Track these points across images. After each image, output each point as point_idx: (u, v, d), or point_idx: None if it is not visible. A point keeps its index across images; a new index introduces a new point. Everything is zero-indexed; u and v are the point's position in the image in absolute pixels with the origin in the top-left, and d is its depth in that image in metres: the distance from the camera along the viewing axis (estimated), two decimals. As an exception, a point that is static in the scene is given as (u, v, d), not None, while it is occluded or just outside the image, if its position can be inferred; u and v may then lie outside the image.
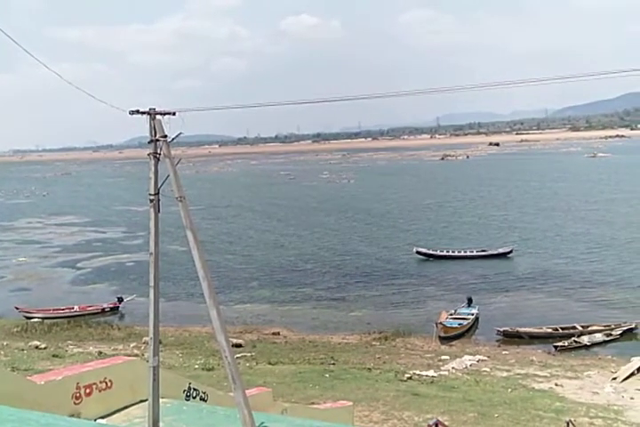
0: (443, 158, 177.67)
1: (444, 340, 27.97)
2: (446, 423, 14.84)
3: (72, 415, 8.16)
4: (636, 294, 33.74)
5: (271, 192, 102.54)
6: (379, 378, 21.37)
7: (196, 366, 23.14)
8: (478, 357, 25.01)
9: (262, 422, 8.30)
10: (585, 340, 26.98)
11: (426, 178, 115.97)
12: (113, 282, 42.52)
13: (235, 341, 25.89)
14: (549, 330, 28.40)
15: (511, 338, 28.05)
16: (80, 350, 25.99)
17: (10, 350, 25.48)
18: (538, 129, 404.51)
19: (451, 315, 30.29)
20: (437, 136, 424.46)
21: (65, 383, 8.37)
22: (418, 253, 45.45)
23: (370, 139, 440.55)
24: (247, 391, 8.46)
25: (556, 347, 26.53)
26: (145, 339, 24.99)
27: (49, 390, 8.15)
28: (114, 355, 20.85)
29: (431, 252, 45.62)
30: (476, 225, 58.86)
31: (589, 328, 28.10)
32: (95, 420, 8.40)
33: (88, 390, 8.54)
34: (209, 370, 21.96)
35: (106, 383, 8.79)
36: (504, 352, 26.14)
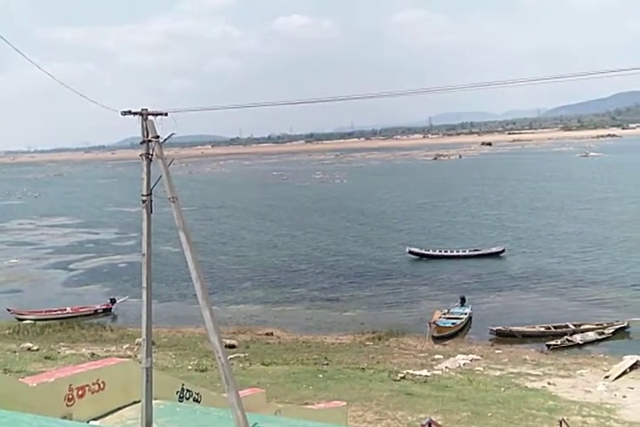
0: (435, 158, 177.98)
1: (438, 339, 28.02)
2: (440, 423, 14.85)
3: (64, 417, 8.12)
4: (628, 293, 33.92)
5: (264, 193, 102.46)
6: (372, 378, 21.39)
7: (190, 367, 23.09)
8: (471, 356, 25.06)
9: (256, 423, 8.29)
10: (577, 338, 27.08)
11: (419, 178, 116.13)
12: (105, 283, 42.40)
13: (228, 341, 25.83)
14: (542, 329, 28.50)
15: (504, 337, 28.12)
16: (72, 351, 25.89)
17: (2, 352, 25.35)
18: (530, 129, 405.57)
19: (444, 314, 30.34)
20: (430, 136, 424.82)
21: (57, 385, 8.33)
22: (410, 252, 45.51)
23: (363, 139, 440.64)
24: (240, 392, 8.45)
25: (548, 346, 26.63)
26: (138, 340, 24.93)
27: (41, 392, 8.11)
28: (106, 356, 20.78)
29: (424, 251, 45.70)
30: (470, 224, 59.00)
31: (582, 327, 28.21)
32: (88, 422, 8.37)
33: (80, 392, 8.50)
34: (202, 371, 21.92)
35: (98, 385, 8.75)
36: (497, 351, 26.21)
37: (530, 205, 69.98)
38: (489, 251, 44.75)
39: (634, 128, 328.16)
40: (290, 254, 49.10)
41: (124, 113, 7.69)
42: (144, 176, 7.79)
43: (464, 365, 23.91)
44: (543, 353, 26.03)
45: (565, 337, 27.17)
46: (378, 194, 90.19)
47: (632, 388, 20.79)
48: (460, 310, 31.06)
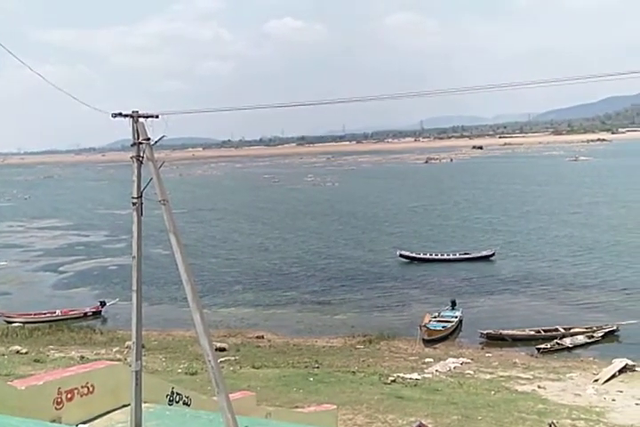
0: (426, 162, 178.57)
1: (428, 343, 28.04)
2: (430, 426, 14.88)
3: (53, 421, 8.07)
4: (618, 297, 34.10)
5: (255, 195, 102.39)
6: (363, 381, 21.37)
7: (180, 371, 23.01)
8: (462, 359, 25.11)
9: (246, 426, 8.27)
10: (567, 342, 27.19)
11: (410, 181, 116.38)
12: (95, 286, 42.21)
13: (218, 344, 25.81)
14: (532, 332, 28.58)
15: (494, 341, 28.19)
16: (62, 354, 25.74)
17: (-10, 355, 25.18)
18: (521, 132, 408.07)
19: (434, 318, 30.38)
20: (421, 139, 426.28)
21: (46, 388, 8.28)
22: (401, 256, 45.58)
23: (354, 142, 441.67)
24: (231, 395, 8.42)
25: (538, 349, 26.71)
26: (128, 343, 24.80)
27: (30, 396, 8.06)
28: (96, 359, 20.65)
29: (414, 255, 45.77)
30: (461, 228, 59.15)
31: (571, 330, 28.34)
32: (77, 425, 8.31)
33: (70, 395, 8.45)
34: (192, 374, 21.84)
35: (88, 388, 8.70)
36: (487, 355, 26.26)
37: (521, 208, 70.27)
38: (479, 254, 44.89)
39: (623, 132, 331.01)
40: (281, 257, 49.06)
41: (115, 115, 7.67)
42: (135, 178, 7.77)
43: (454, 368, 23.94)
44: (533, 357, 26.10)
45: (555, 341, 27.26)
46: (369, 197, 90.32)
47: (621, 391, 20.89)
48: (451, 314, 31.11)
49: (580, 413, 18.53)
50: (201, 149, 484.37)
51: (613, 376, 22.35)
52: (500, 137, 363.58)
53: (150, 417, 8.51)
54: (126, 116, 7.70)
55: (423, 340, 28.14)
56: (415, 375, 22.56)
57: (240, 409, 9.05)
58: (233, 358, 25.45)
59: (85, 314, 34.91)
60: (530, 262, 43.27)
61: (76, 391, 8.54)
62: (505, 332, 28.52)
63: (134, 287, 7.87)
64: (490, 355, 26.22)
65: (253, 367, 23.84)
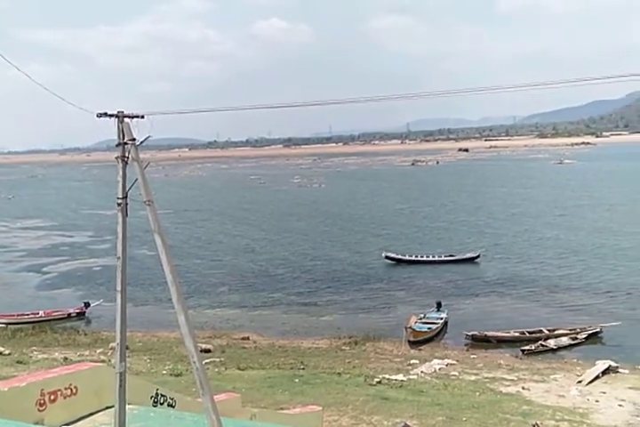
0: (413, 164, 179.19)
1: (414, 344, 28.09)
2: (415, 427, 14.91)
3: (36, 423, 8.01)
4: (602, 299, 34.38)
5: (242, 196, 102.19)
6: (348, 382, 21.37)
7: (164, 372, 22.89)
8: (447, 361, 25.18)
9: (230, 428, 8.24)
10: (551, 343, 27.35)
11: (396, 183, 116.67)
12: (79, 287, 41.91)
13: (203, 346, 25.71)
14: (517, 334, 28.72)
15: (479, 342, 28.30)
16: (45, 356, 25.52)
17: (-28, 356, 24.91)
18: (506, 135, 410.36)
19: (420, 319, 30.47)
20: (408, 142, 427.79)
21: (29, 390, 8.20)
22: (387, 257, 45.67)
23: (341, 144, 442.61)
24: (216, 397, 8.40)
25: (523, 351, 26.84)
26: (112, 345, 24.64)
27: (12, 397, 7.98)
28: (80, 361, 20.53)
29: (400, 257, 45.88)
30: (447, 230, 59.38)
31: (556, 332, 28.50)
32: (60, 427, 8.26)
33: (53, 397, 8.38)
34: (177, 376, 21.74)
35: (71, 390, 8.63)
36: (472, 356, 26.35)
37: (506, 211, 70.68)
38: (464, 256, 45.08)
39: (608, 136, 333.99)
40: (267, 259, 48.98)
41: (100, 115, 7.64)
42: (120, 179, 7.73)
43: (440, 369, 24.01)
44: (518, 358, 26.22)
45: (539, 342, 27.41)
46: (356, 199, 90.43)
47: (604, 392, 21.04)
48: (436, 315, 31.21)
49: (563, 414, 18.64)
50: (187, 149, 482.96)
51: (597, 378, 22.51)
52: (485, 140, 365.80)
53: (134, 419, 8.46)
54: (111, 116, 7.67)
55: (409, 341, 28.18)
56: (400, 377, 22.59)
57: (225, 411, 9.03)
58: (218, 360, 25.36)
59: (69, 315, 34.64)
60: (515, 265, 43.52)
61: (59, 393, 8.47)
62: (490, 333, 28.64)
63: (119, 288, 7.83)
64: (475, 356, 26.32)
65: (239, 369, 23.77)
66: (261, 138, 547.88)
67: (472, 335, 28.52)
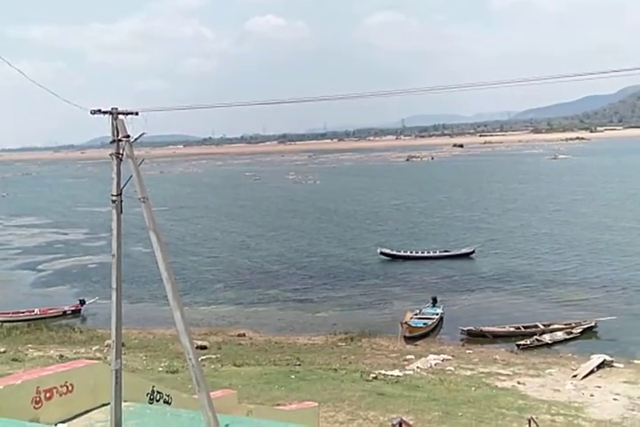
0: (408, 160, 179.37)
1: (409, 340, 28.15)
2: (411, 422, 14.95)
3: (32, 420, 8.00)
4: (596, 294, 34.49)
5: (237, 193, 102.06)
6: (344, 378, 21.41)
7: (160, 369, 22.88)
8: (443, 356, 25.23)
9: (227, 425, 8.25)
10: (546, 338, 27.44)
11: (392, 179, 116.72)
12: (75, 284, 41.83)
13: (199, 343, 25.70)
14: (512, 329, 28.81)
15: (475, 337, 28.37)
16: (40, 353, 25.49)
17: (-33, 354, 24.85)
18: (501, 131, 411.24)
19: (415, 315, 30.51)
20: (403, 137, 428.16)
21: (24, 388, 8.20)
22: (382, 253, 45.71)
23: (336, 140, 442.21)
24: (212, 394, 8.40)
25: (518, 345, 26.91)
26: (107, 342, 24.60)
27: (8, 395, 7.97)
28: (75, 358, 20.47)
29: (395, 252, 45.91)
30: (443, 226, 59.45)
31: (551, 327, 28.58)
32: (56, 424, 8.24)
33: (48, 395, 8.38)
34: (173, 373, 21.74)
35: (67, 387, 8.63)
36: (468, 351, 26.43)
37: (502, 206, 70.77)
38: (459, 252, 45.15)
39: (602, 131, 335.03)
40: (262, 255, 48.96)
41: (94, 112, 7.61)
42: (114, 176, 7.72)
43: (435, 365, 24.07)
44: (513, 353, 26.30)
45: (535, 337, 27.50)
46: (351, 195, 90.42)
47: (599, 387, 21.14)
48: (432, 311, 31.26)
49: (558, 408, 18.72)
50: (181, 146, 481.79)
51: (592, 372, 22.61)
52: (480, 135, 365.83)
53: (130, 416, 8.46)
54: (105, 112, 7.64)
55: (404, 337, 28.25)
56: (396, 372, 22.64)
57: (221, 407, 9.04)
58: (214, 357, 25.36)
59: (65, 313, 34.59)
60: (510, 260, 43.60)
61: (54, 391, 8.47)
62: (485, 328, 28.72)
63: (114, 285, 7.81)
64: (470, 351, 26.39)
65: (235, 365, 23.78)
66: (256, 134, 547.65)
67: (468, 330, 28.59)
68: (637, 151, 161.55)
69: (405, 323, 28.77)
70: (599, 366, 23.08)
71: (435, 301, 32.45)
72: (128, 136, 7.63)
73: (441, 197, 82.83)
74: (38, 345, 27.46)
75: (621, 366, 23.53)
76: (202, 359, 22.73)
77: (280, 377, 21.42)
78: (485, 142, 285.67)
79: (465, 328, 28.71)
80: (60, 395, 8.54)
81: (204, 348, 26.11)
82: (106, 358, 21.84)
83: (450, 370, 23.38)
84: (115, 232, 7.80)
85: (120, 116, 7.65)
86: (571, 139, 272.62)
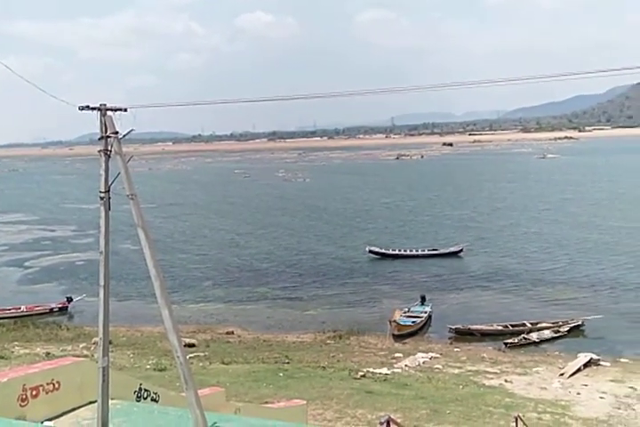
0: (397, 158, 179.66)
1: (398, 338, 28.20)
2: (399, 420, 14.93)
3: (18, 418, 7.94)
4: (584, 293, 34.70)
5: (226, 191, 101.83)
6: (333, 376, 21.43)
7: (148, 367, 22.80)
8: (431, 354, 25.31)
9: (215, 423, 8.22)
10: (534, 337, 27.58)
11: (381, 177, 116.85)
12: (62, 281, 41.59)
13: (187, 340, 25.63)
14: (500, 327, 28.93)
15: (463, 335, 28.47)
16: (27, 351, 25.32)
17: (-47, 351, 24.65)
18: (490, 130, 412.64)
19: (404, 313, 30.57)
20: (392, 136, 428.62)
21: (10, 385, 8.13)
22: (370, 252, 45.75)
23: (325, 138, 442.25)
24: (200, 391, 8.37)
25: (506, 344, 27.04)
26: (95, 339, 24.49)
27: (-6, 393, 7.91)
28: (62, 356, 20.36)
29: (383, 251, 45.96)
30: (432, 224, 59.58)
31: (538, 325, 28.73)
32: (42, 422, 8.19)
33: (35, 392, 8.32)
34: (161, 370, 21.66)
35: (53, 385, 8.57)
36: (456, 349, 26.52)
37: (491, 205, 71.03)
38: (447, 250, 45.27)
39: (590, 131, 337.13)
40: (251, 253, 48.89)
41: (82, 108, 7.55)
42: (102, 173, 7.66)
43: (424, 363, 24.13)
44: (501, 351, 26.42)
45: (522, 335, 27.62)
46: (341, 193, 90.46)
47: (586, 385, 21.28)
48: (420, 309, 31.34)
49: (545, 406, 18.83)
50: (171, 143, 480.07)
51: (578, 370, 22.76)
52: (469, 134, 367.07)
53: (117, 414, 8.42)
54: (94, 109, 7.59)
55: (393, 335, 28.29)
56: (385, 370, 22.69)
57: (209, 405, 9.01)
58: (202, 354, 25.31)
59: (51, 310, 34.38)
60: (499, 259, 43.78)
61: (41, 388, 8.40)
62: (473, 327, 28.82)
63: (102, 283, 7.77)
64: (458, 350, 26.48)
65: (223, 363, 23.74)
66: (246, 132, 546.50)
67: (456, 329, 28.68)
68: (625, 151, 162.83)
69: (394, 321, 28.81)
70: (586, 365, 23.24)
71: (423, 299, 32.51)
72: (116, 133, 7.58)
73: (430, 196, 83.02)
74: (24, 343, 27.28)
75: (608, 364, 23.70)
76: (190, 357, 22.70)
77: (268, 375, 21.41)
78: (475, 141, 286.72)
79: (453, 327, 28.80)
80: (47, 393, 8.48)
81: (192, 346, 26.04)
82: (93, 355, 21.72)
83: (438, 368, 23.45)
84: (103, 229, 7.74)
85: (109, 113, 7.60)
86: (559, 138, 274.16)
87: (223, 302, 35.71)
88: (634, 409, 18.92)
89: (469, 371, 23.15)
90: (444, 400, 18.76)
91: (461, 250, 45.25)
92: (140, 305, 33.96)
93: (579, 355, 24.11)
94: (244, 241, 54.54)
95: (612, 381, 21.76)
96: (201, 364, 23.37)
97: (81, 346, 26.38)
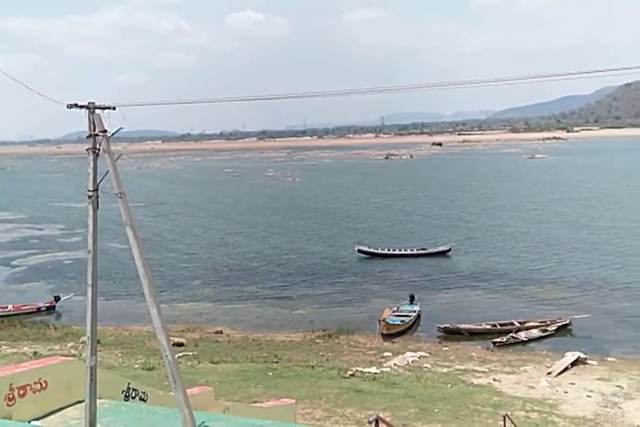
0: (387, 157, 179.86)
1: (387, 337, 28.26)
2: (387, 419, 14.97)
3: (5, 418, 7.90)
4: (572, 292, 34.90)
5: (215, 190, 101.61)
6: (322, 375, 21.44)
7: (137, 366, 22.72)
8: (420, 353, 25.38)
9: (203, 422, 8.21)
10: (522, 336, 27.73)
11: (371, 177, 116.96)
12: (49, 280, 41.37)
13: (176, 340, 25.58)
14: (488, 326, 29.04)
15: (452, 334, 28.56)
16: (14, 350, 25.16)
17: (-61, 351, 24.46)
18: (479, 130, 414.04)
19: (393, 312, 30.62)
20: (382, 135, 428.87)
21: (-3, 385, 8.08)
22: (359, 251, 45.80)
23: (315, 137, 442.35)
24: (188, 391, 8.35)
25: (494, 343, 27.16)
26: (83, 338, 24.36)
27: (-20, 393, 7.86)
28: (50, 355, 20.25)
29: (372, 250, 46.02)
30: (421, 224, 59.74)
31: (526, 324, 28.89)
32: (29, 422, 8.15)
33: (22, 392, 8.26)
34: (149, 370, 21.59)
35: (41, 384, 8.52)
36: (445, 349, 26.61)
37: (480, 205, 71.25)
38: (436, 250, 45.39)
39: (578, 131, 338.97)
40: (241, 252, 48.82)
41: (70, 106, 7.52)
42: (90, 171, 7.63)
43: (412, 362, 24.19)
44: (489, 350, 26.53)
45: (510, 334, 27.76)
46: (330, 192, 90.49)
47: (573, 383, 21.42)
48: (409, 308, 31.41)
49: (533, 405, 18.94)
50: (160, 141, 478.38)
51: (566, 369, 22.90)
52: (458, 134, 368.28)
53: (105, 413, 8.39)
54: (82, 107, 7.55)
55: (382, 334, 28.34)
56: (374, 369, 22.72)
57: (197, 404, 8.99)
58: (191, 353, 25.25)
59: (39, 309, 34.19)
60: (487, 258, 43.95)
61: (28, 388, 8.35)
62: (462, 326, 28.93)
63: (90, 282, 7.73)
64: (447, 349, 26.58)
65: (212, 362, 23.69)
66: (235, 131, 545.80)
67: (444, 328, 28.78)
68: (613, 151, 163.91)
69: (383, 320, 28.86)
70: (573, 364, 23.40)
71: (412, 298, 32.59)
72: (105, 131, 7.55)
73: (419, 195, 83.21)
74: (12, 342, 27.12)
75: (595, 363, 23.87)
76: (178, 356, 22.61)
77: (257, 374, 21.39)
78: (464, 141, 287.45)
79: (442, 326, 28.90)
80: (34, 392, 8.43)
81: (180, 345, 25.97)
82: (81, 354, 21.63)
83: (427, 367, 23.52)
84: (91, 228, 7.72)
85: (97, 111, 7.57)
86: (548, 138, 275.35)
87: (212, 302, 35.64)
88: (620, 408, 19.07)
89: (458, 370, 23.24)
90: (433, 399, 18.82)
91: (450, 249, 45.40)
92: (128, 304, 33.82)
93: (566, 354, 24.25)
94: (233, 240, 54.45)
95: (599, 379, 21.92)
96: (189, 363, 23.31)
97: (69, 345, 26.25)
